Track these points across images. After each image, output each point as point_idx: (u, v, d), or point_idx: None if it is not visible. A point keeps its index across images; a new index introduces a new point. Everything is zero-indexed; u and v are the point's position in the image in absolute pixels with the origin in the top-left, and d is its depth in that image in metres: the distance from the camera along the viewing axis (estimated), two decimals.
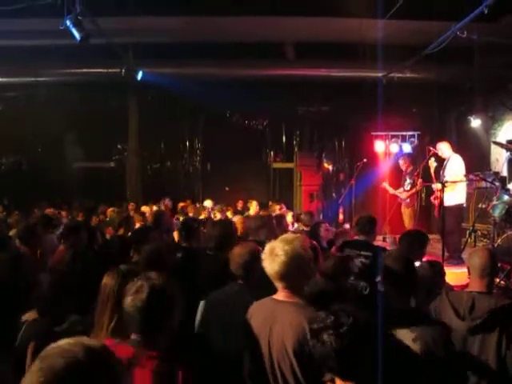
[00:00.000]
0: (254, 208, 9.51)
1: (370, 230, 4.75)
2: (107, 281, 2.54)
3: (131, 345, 2.14)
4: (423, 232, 4.74)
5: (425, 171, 9.12)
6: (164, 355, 2.10)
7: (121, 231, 6.17)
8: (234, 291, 3.24)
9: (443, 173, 7.75)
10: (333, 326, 1.96)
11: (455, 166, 7.69)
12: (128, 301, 2.17)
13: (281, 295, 2.66)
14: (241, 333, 2.80)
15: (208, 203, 10.22)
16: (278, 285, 2.65)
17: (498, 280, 5.18)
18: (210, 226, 4.68)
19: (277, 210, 9.03)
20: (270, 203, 10.78)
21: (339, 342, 1.92)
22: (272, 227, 5.20)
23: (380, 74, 10.00)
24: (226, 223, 4.85)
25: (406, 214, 9.62)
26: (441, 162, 8.01)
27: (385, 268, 2.93)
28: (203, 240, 4.92)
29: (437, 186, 7.70)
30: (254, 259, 3.18)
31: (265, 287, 2.85)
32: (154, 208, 9.77)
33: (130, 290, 2.19)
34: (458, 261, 7.07)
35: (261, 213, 8.65)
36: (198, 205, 10.42)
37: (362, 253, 4.41)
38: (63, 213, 9.31)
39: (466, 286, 3.43)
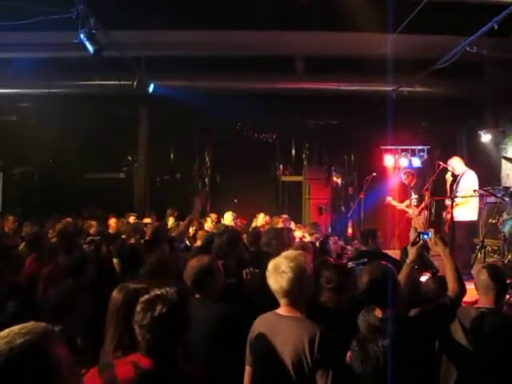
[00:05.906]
0: (260, 220, 9.38)
1: (369, 241, 5.08)
2: (113, 296, 2.56)
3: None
4: None
5: (435, 186, 9.06)
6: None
7: (132, 240, 6.20)
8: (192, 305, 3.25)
9: (456, 188, 7.66)
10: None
11: (469, 182, 7.54)
12: (138, 319, 2.04)
13: (283, 310, 2.72)
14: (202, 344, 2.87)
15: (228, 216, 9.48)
16: (282, 300, 2.71)
17: (508, 297, 5.13)
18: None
19: (280, 222, 8.73)
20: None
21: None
22: (283, 240, 5.20)
23: (390, 88, 10.02)
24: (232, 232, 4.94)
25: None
26: (455, 176, 7.93)
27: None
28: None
29: (447, 201, 7.65)
30: (205, 273, 3.18)
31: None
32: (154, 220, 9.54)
33: (140, 308, 2.06)
34: (467, 277, 6.97)
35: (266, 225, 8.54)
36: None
37: (361, 261, 4.64)
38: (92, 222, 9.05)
39: (475, 302, 3.41)
